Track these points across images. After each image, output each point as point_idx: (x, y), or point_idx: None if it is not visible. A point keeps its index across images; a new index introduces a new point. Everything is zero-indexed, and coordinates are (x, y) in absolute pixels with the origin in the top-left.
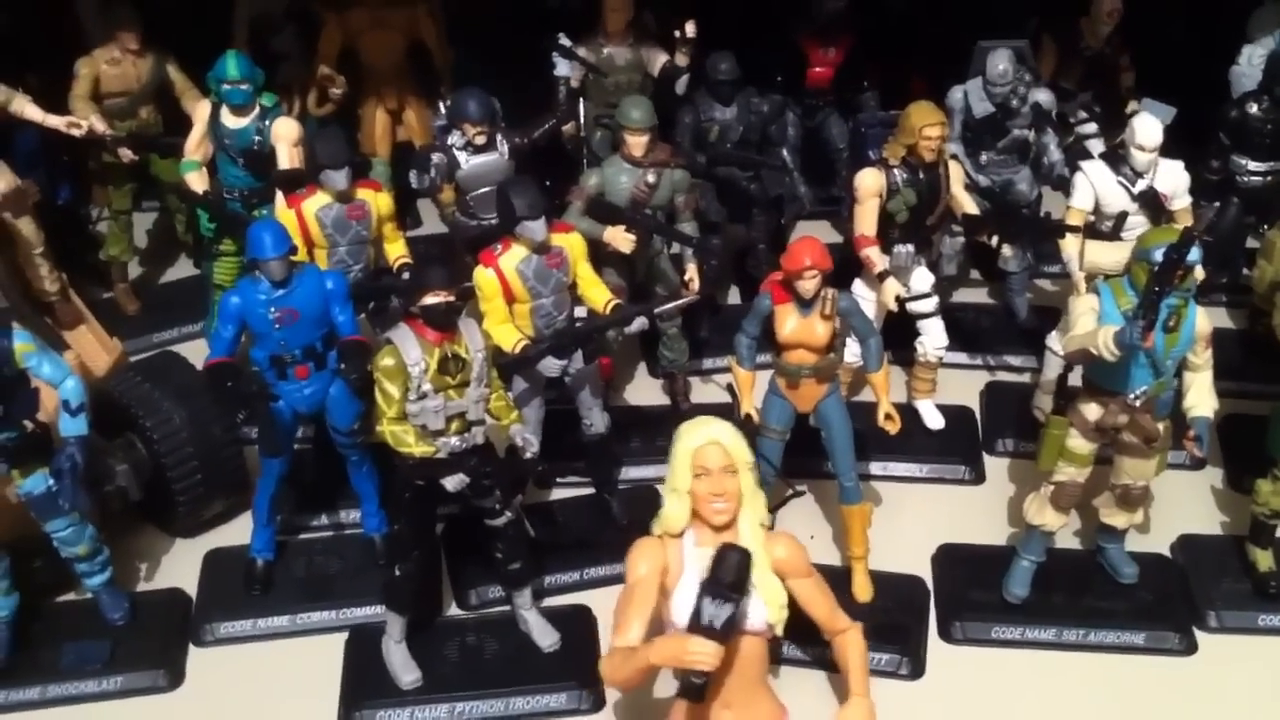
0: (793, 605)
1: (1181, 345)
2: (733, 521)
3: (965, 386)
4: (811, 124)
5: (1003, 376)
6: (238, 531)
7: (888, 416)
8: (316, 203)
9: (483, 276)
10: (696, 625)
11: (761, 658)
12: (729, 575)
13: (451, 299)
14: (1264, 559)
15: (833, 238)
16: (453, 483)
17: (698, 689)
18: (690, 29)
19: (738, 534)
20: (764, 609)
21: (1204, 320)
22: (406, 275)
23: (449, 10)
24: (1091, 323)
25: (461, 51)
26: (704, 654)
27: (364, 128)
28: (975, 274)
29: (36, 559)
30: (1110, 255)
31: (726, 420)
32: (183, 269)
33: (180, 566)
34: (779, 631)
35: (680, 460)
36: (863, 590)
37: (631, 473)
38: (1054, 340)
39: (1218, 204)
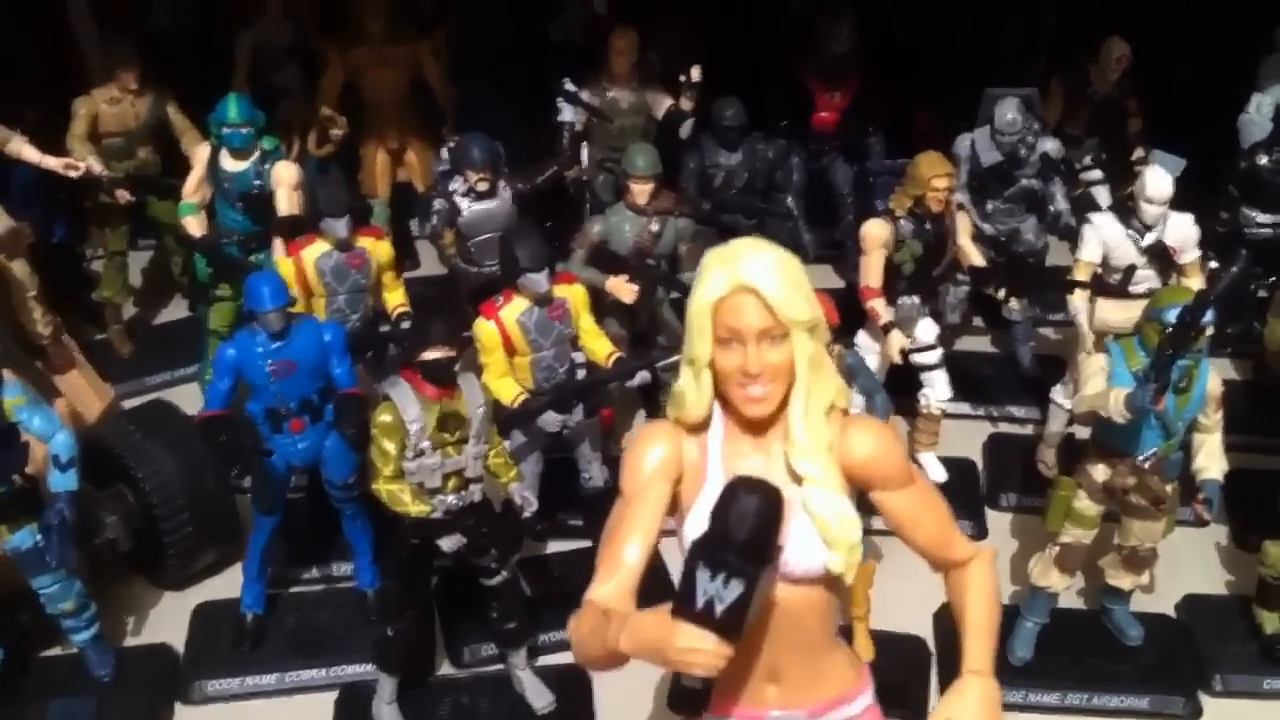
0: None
1: (1193, 406)
2: (779, 413)
3: (968, 438)
4: (816, 168)
5: (1006, 428)
6: (228, 584)
7: None
8: (316, 251)
9: (483, 329)
10: (688, 607)
11: (823, 610)
12: (740, 532)
13: (453, 354)
14: (1271, 621)
15: (835, 283)
16: (449, 544)
17: (694, 697)
18: (695, 73)
19: (787, 430)
20: (820, 548)
21: (1215, 381)
22: (405, 324)
23: (452, 47)
24: (1102, 383)
25: (465, 89)
26: (698, 653)
27: (364, 167)
28: (978, 321)
29: (23, 612)
30: (1120, 314)
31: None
32: (178, 309)
33: (169, 620)
34: (849, 579)
35: (697, 316)
36: (865, 650)
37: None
38: (1058, 393)
39: (1215, 265)
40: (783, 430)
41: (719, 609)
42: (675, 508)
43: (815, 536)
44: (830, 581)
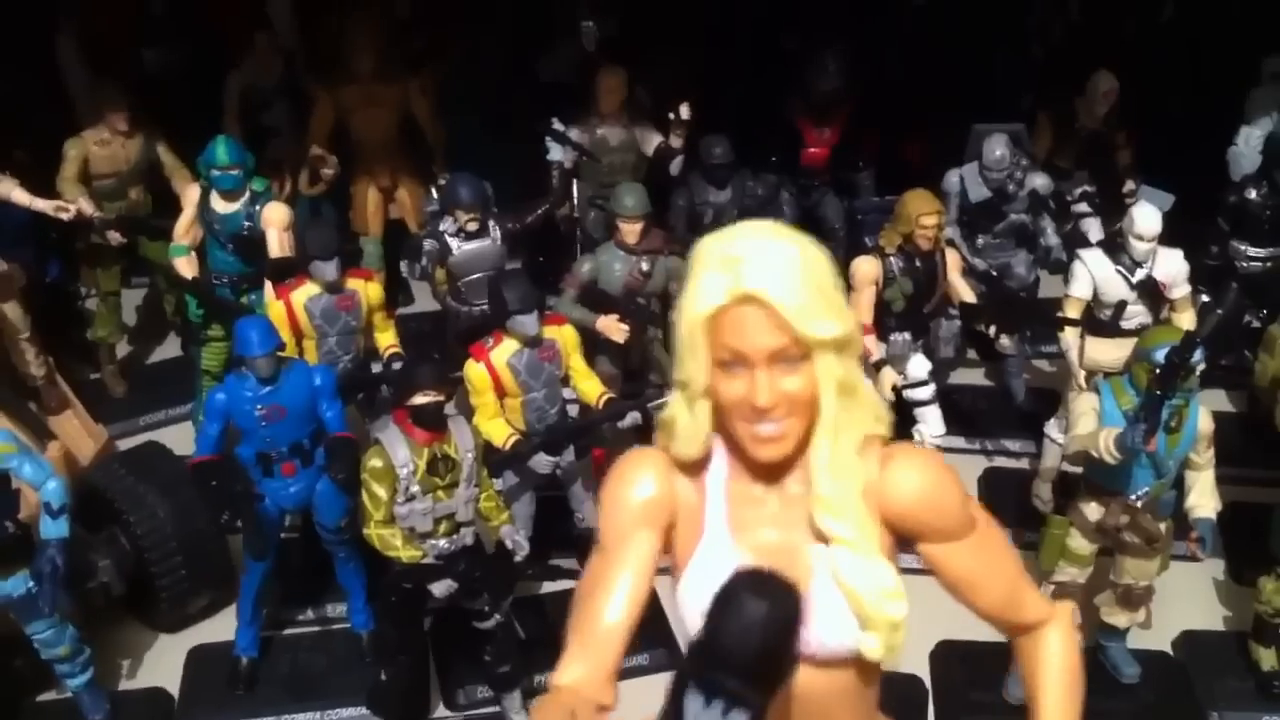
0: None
1: (1184, 445)
2: (796, 454)
3: (963, 472)
4: (807, 204)
5: (1001, 462)
6: (223, 626)
7: None
8: (306, 293)
9: (474, 371)
10: None
11: (854, 699)
12: (743, 650)
13: (442, 399)
14: (1268, 658)
15: None
16: (440, 589)
17: None
18: (685, 111)
19: (808, 473)
20: (851, 625)
21: (1206, 419)
22: (397, 365)
23: (442, 86)
24: (1092, 423)
25: (455, 127)
26: None
27: (355, 206)
28: (972, 355)
29: (17, 657)
30: (1110, 353)
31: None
32: (171, 348)
33: (163, 663)
34: (887, 664)
35: (688, 332)
36: None
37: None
38: (1052, 428)
39: (1207, 299)
40: (803, 471)
41: None
42: (668, 554)
43: (846, 611)
44: (864, 665)
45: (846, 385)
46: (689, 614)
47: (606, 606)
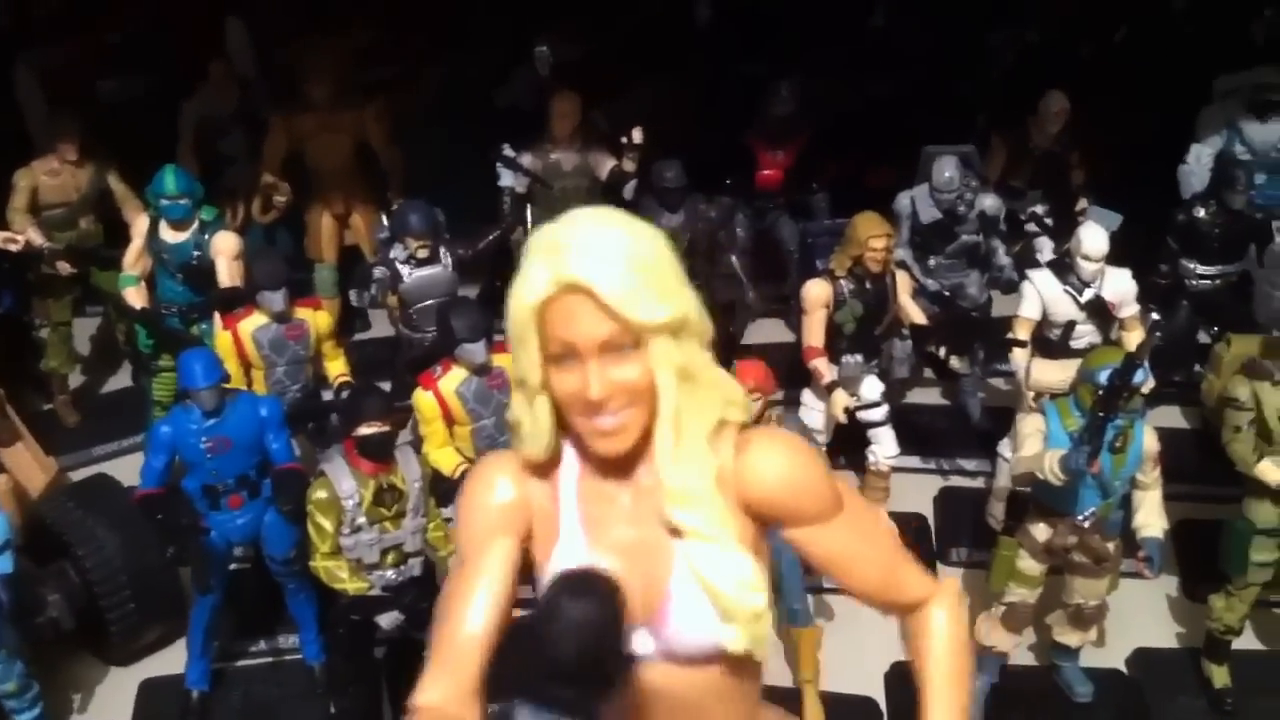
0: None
1: (1129, 465)
2: (644, 445)
3: (918, 492)
4: (762, 226)
5: (956, 481)
6: (174, 659)
7: None
8: (253, 323)
9: (422, 399)
10: None
11: (729, 695)
12: (565, 654)
13: (389, 429)
14: (1219, 675)
15: (785, 337)
16: (387, 621)
17: None
18: (637, 135)
19: (652, 465)
20: (713, 620)
21: (1152, 439)
22: (346, 394)
23: (397, 113)
24: (1038, 444)
25: (410, 154)
26: None
27: (310, 233)
28: (928, 374)
29: None
30: (1056, 374)
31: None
32: (124, 378)
33: (115, 697)
34: (758, 656)
35: (518, 324)
36: (814, 715)
37: None
38: (1005, 447)
39: (1157, 317)
40: (646, 466)
41: None
42: (529, 564)
43: (706, 605)
44: (735, 660)
45: (686, 371)
46: None
47: (464, 619)
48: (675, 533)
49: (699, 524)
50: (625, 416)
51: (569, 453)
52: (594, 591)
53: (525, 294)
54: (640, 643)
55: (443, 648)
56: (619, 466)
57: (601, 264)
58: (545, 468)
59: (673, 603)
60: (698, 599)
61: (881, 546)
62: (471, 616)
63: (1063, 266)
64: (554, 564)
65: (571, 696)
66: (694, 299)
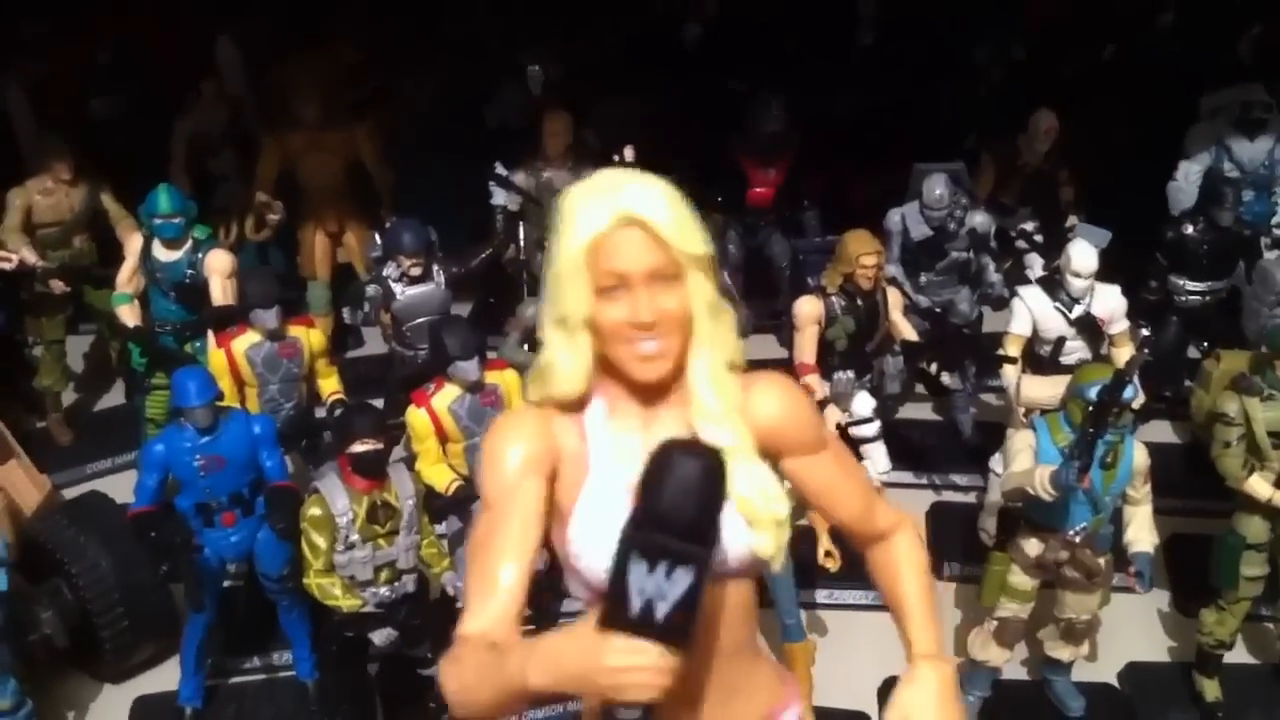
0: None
1: (1120, 481)
2: (677, 375)
3: (911, 507)
4: (753, 243)
5: (949, 496)
6: (167, 676)
7: (828, 554)
8: (246, 341)
9: (415, 417)
10: (622, 614)
11: (745, 608)
12: (684, 508)
13: (381, 447)
14: (1211, 689)
15: (777, 354)
16: (381, 638)
17: None
18: (628, 153)
19: (687, 395)
20: (744, 529)
21: (1142, 455)
22: (338, 412)
23: (389, 132)
24: (1028, 460)
25: (403, 173)
26: (639, 671)
27: (303, 251)
28: (919, 390)
29: None
30: (1046, 390)
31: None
32: (117, 396)
33: (108, 715)
34: (776, 566)
35: (569, 261)
36: None
37: (573, 607)
38: (996, 462)
39: (1147, 333)
40: (680, 395)
41: (662, 610)
42: (555, 509)
43: (735, 515)
44: (752, 570)
45: (714, 306)
46: (584, 554)
47: (501, 559)
48: None
49: (730, 439)
50: (667, 343)
51: (596, 396)
52: (705, 451)
53: (582, 230)
54: None
55: (480, 588)
56: (646, 400)
57: (654, 199)
58: (573, 410)
59: None
60: (727, 510)
61: (861, 480)
62: (505, 557)
63: (1052, 283)
64: (586, 499)
65: (684, 548)
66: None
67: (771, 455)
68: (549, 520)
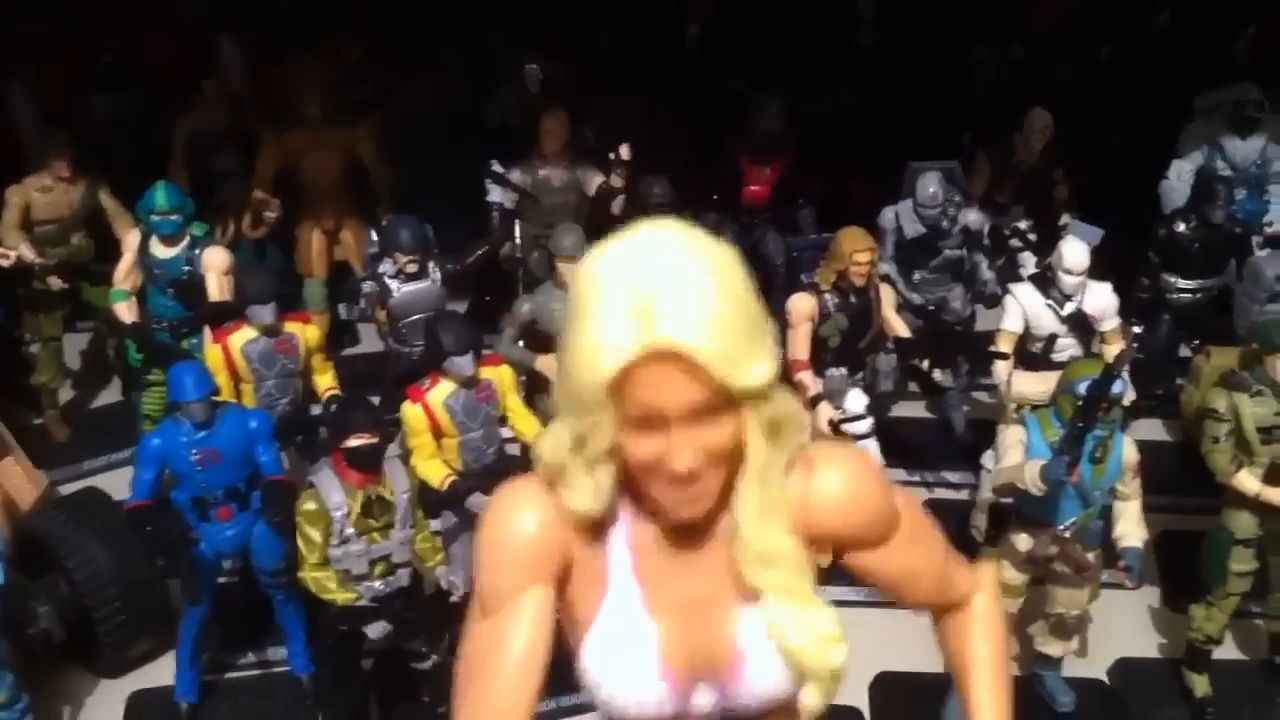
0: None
1: (1109, 476)
2: (724, 501)
3: None
4: (748, 241)
5: (941, 493)
6: (163, 670)
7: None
8: (243, 337)
9: (410, 412)
10: None
11: None
12: None
13: (377, 441)
14: (1200, 684)
15: None
16: (375, 631)
17: None
18: (625, 151)
19: (734, 530)
20: (786, 677)
21: (1131, 450)
22: (334, 407)
23: (388, 130)
24: (1019, 455)
25: (402, 171)
26: None
27: (300, 248)
28: (912, 388)
29: None
30: (1036, 386)
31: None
32: (114, 393)
33: (104, 709)
34: (826, 710)
35: (589, 389)
36: None
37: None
38: (988, 459)
39: (1139, 330)
40: (723, 522)
41: None
42: (568, 620)
43: (780, 666)
44: (792, 708)
45: (775, 421)
46: (600, 682)
47: (498, 688)
48: (749, 593)
49: (781, 583)
50: (709, 482)
51: (620, 508)
52: None
53: (603, 359)
54: (700, 697)
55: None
56: (679, 537)
57: (696, 322)
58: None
59: (747, 661)
60: (772, 657)
61: (936, 553)
62: (506, 685)
63: (1045, 280)
64: (603, 622)
65: None
66: (769, 320)
67: (836, 549)
68: (559, 627)
